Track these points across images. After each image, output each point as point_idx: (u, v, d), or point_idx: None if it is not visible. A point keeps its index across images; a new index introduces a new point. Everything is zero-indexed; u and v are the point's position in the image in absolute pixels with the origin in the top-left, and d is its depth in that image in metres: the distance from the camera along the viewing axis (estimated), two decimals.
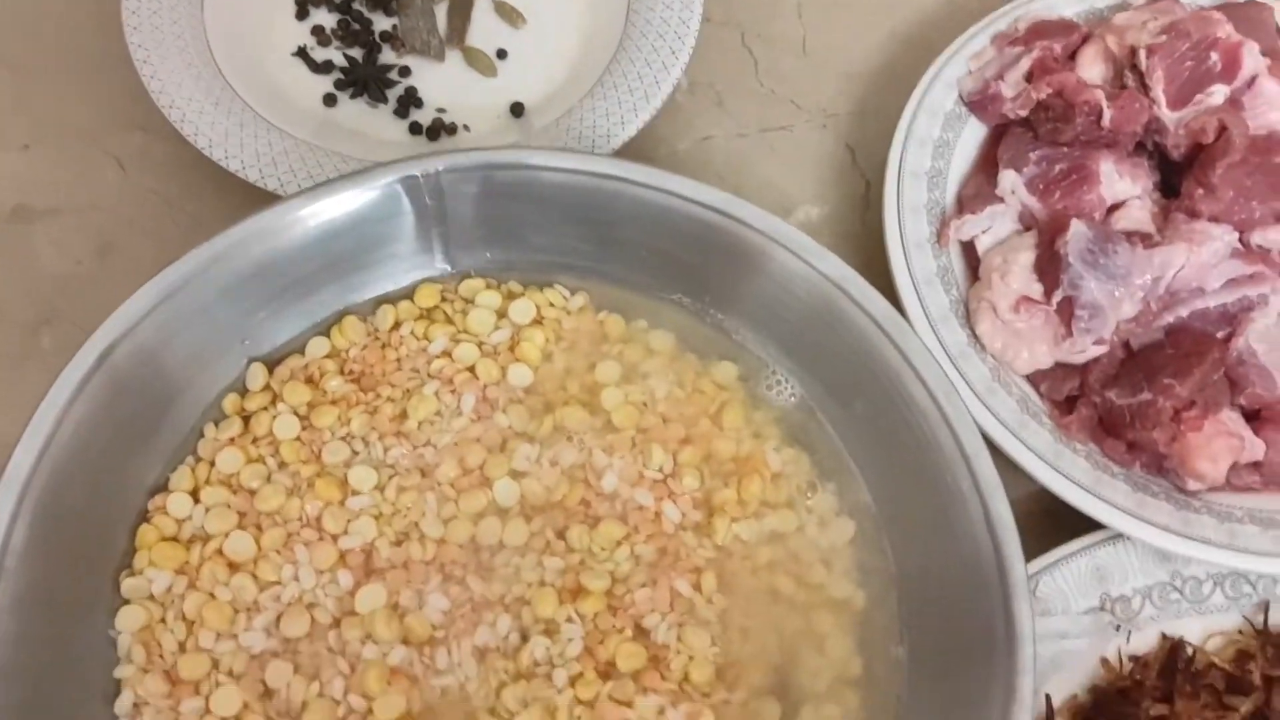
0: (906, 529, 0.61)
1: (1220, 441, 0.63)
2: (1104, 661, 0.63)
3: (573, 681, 0.57)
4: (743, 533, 0.61)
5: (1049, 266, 0.66)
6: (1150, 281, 0.66)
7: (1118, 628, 0.64)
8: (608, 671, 0.58)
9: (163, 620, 0.57)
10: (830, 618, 0.60)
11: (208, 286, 0.59)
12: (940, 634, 0.58)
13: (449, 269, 0.67)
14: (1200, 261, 0.66)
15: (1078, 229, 0.66)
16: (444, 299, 0.66)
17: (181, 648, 0.57)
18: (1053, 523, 0.65)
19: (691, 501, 0.62)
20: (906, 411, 0.60)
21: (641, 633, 0.59)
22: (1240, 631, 0.64)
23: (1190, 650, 0.64)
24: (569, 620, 0.58)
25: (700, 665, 0.58)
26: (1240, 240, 0.69)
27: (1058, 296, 0.66)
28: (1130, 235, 0.67)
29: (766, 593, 0.60)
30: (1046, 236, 0.68)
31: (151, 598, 0.58)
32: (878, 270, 0.67)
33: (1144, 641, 0.64)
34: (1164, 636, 0.64)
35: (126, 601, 0.58)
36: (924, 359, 0.59)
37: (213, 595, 0.58)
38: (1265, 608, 0.64)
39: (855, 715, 0.59)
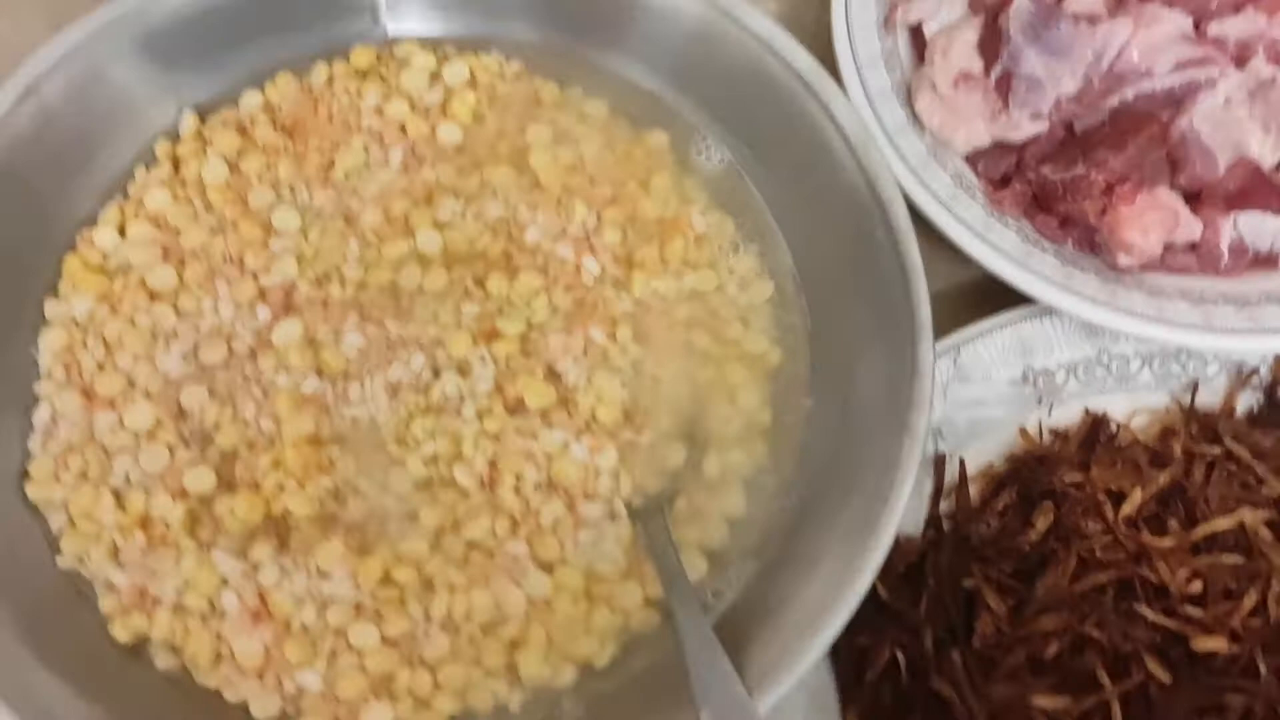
0: (824, 288, 0.61)
1: (1152, 215, 0.61)
2: (1023, 431, 0.63)
3: (480, 416, 0.58)
4: (662, 289, 0.61)
5: (991, 42, 0.65)
6: (1092, 58, 0.64)
7: (1039, 400, 0.63)
8: (516, 408, 0.58)
9: (83, 342, 0.59)
10: (744, 371, 0.60)
11: (135, 27, 0.60)
12: (849, 386, 0.58)
13: (387, 34, 0.67)
14: (1150, 44, 0.65)
15: (1021, 4, 0.65)
16: (379, 60, 0.66)
17: (100, 367, 0.58)
18: (981, 301, 0.64)
19: (612, 257, 0.62)
20: (828, 167, 0.60)
21: (553, 375, 0.59)
22: (1167, 410, 0.63)
23: (1114, 426, 0.63)
24: (481, 360, 0.59)
25: (608, 406, 0.58)
26: (1196, 29, 0.67)
27: (997, 71, 0.65)
28: (1079, 16, 0.66)
29: (682, 346, 0.60)
30: (991, 14, 0.66)
31: (74, 322, 0.59)
32: (831, 67, 0.66)
33: (1066, 416, 0.63)
34: (1087, 411, 0.63)
35: (49, 323, 0.59)
36: (843, 108, 0.59)
37: (133, 322, 0.59)
38: (1193, 387, 0.63)
39: (761, 461, 0.59)
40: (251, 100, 0.65)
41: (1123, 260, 0.62)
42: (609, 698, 0.54)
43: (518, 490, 0.57)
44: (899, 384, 0.54)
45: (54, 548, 0.56)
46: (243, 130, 0.64)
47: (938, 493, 0.62)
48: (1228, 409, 0.63)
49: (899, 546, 0.60)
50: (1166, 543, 0.58)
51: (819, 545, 0.54)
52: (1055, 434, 0.63)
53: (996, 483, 0.62)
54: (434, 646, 0.55)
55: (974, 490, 0.62)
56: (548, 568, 0.56)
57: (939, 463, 0.62)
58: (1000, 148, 0.66)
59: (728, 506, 0.58)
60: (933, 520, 0.61)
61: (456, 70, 0.66)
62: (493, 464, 0.57)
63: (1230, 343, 0.60)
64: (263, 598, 0.55)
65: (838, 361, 0.59)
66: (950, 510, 0.61)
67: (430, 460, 0.57)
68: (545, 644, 0.55)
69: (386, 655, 0.54)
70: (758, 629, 0.52)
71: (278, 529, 0.56)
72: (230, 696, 0.54)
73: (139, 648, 0.55)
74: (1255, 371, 0.63)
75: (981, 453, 0.62)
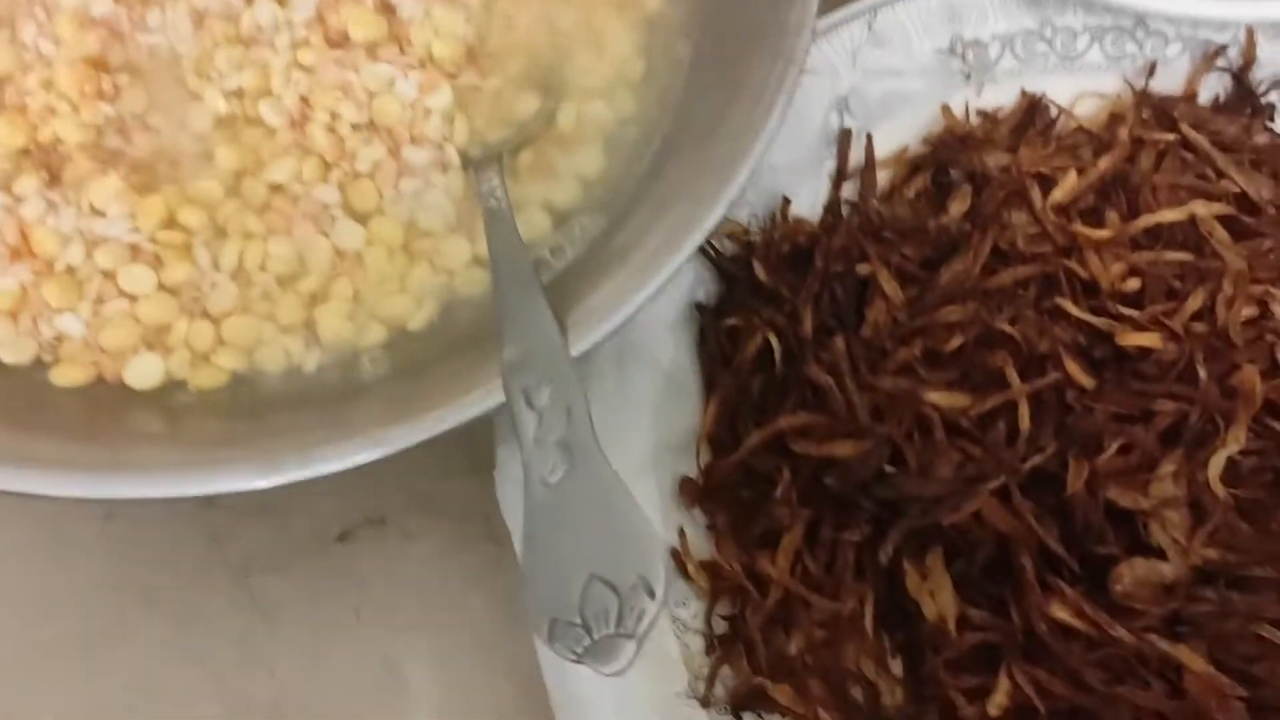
0: None
1: None
2: (945, 109, 0.53)
3: (296, 47, 0.49)
4: None
5: None
6: None
7: (968, 77, 0.54)
8: (339, 42, 0.50)
9: None
10: (615, 16, 0.51)
11: None
12: (731, 28, 0.49)
13: None
14: None
15: None
16: None
17: None
18: None
19: None
20: None
21: (386, 7, 0.50)
22: (1118, 96, 0.54)
23: (1054, 111, 0.53)
24: None
25: (447, 42, 0.49)
26: None
27: None
28: None
29: None
30: None
31: None
32: None
33: (999, 97, 0.54)
34: (1024, 93, 0.54)
35: None
36: None
37: None
38: (1150, 69, 0.53)
39: (626, 114, 0.50)
40: None
41: None
42: (417, 361, 0.46)
43: (332, 129, 0.48)
44: (784, 10, 0.45)
45: None
46: None
47: (841, 175, 0.53)
48: (1189, 93, 0.53)
49: (788, 227, 0.51)
50: (1102, 234, 0.49)
51: (674, 190, 0.45)
52: (984, 116, 0.54)
53: (910, 167, 0.53)
54: (221, 298, 0.47)
55: (884, 176, 0.53)
56: (361, 218, 0.48)
57: (843, 139, 0.52)
58: None
59: (583, 164, 0.49)
60: (832, 206, 0.52)
61: None
62: (305, 100, 0.48)
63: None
64: (25, 234, 0.47)
65: (723, 5, 0.50)
66: (855, 196, 0.52)
67: (234, 95, 0.49)
68: (351, 301, 0.47)
69: (162, 303, 0.46)
70: (593, 280, 0.44)
71: (49, 161, 0.48)
72: None
73: None
74: (1223, 50, 0.53)
75: (896, 132, 0.53)
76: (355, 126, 0.48)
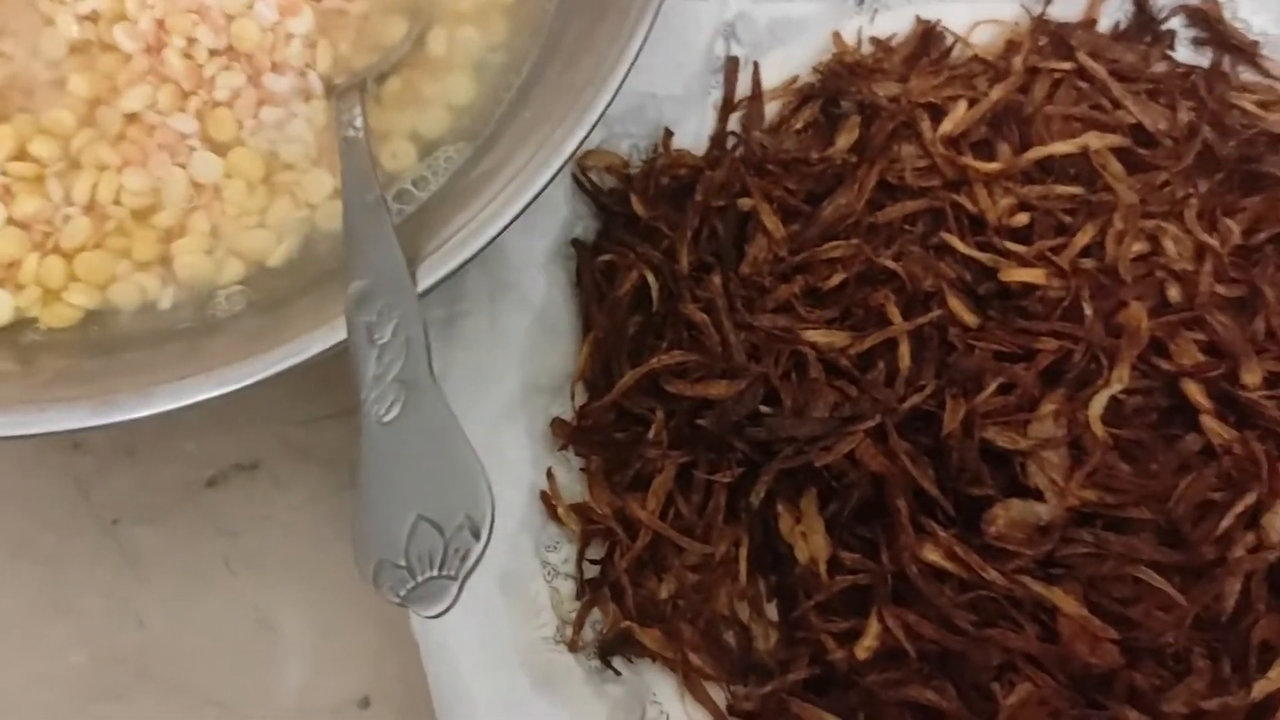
0: None
1: None
2: (836, 36, 0.51)
3: None
4: None
5: None
6: None
7: (861, 2, 0.52)
8: None
9: None
10: None
11: None
12: None
13: None
14: None
15: None
16: None
17: None
18: None
19: None
20: None
21: None
22: (1017, 23, 0.52)
23: (949, 39, 0.52)
24: None
25: None
26: None
27: None
28: None
29: None
30: None
31: None
32: None
33: (893, 24, 0.52)
34: (918, 20, 0.52)
35: None
36: None
37: None
38: None
39: (499, 38, 0.48)
40: None
41: None
42: (276, 297, 0.44)
43: (189, 55, 0.46)
44: None
45: None
46: None
47: (727, 105, 0.51)
48: (1088, 19, 0.51)
49: (669, 159, 0.49)
50: (992, 167, 0.48)
51: (537, 117, 0.43)
52: (877, 44, 0.52)
53: (800, 98, 0.51)
54: (73, 232, 0.45)
55: (773, 107, 0.51)
56: (220, 149, 0.46)
57: (730, 68, 0.51)
58: None
59: (452, 91, 0.47)
60: (718, 138, 0.51)
61: None
62: (160, 24, 0.46)
63: None
64: None
65: None
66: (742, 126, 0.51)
67: (88, 19, 0.47)
68: (209, 236, 0.45)
69: (12, 238, 0.45)
70: (451, 210, 0.42)
71: None
72: None
73: None
74: None
75: (786, 61, 0.51)
76: (213, 52, 0.46)
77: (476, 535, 0.32)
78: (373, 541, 0.33)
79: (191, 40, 0.46)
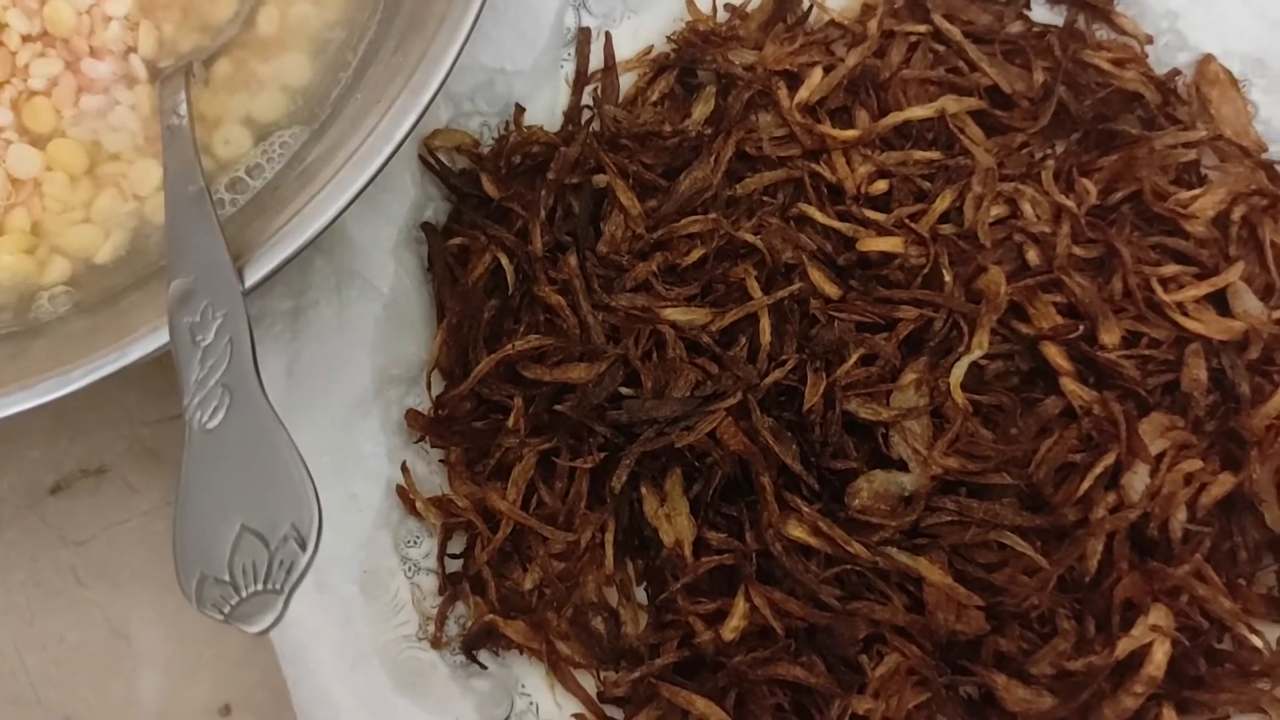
0: None
1: None
2: (690, 3, 0.50)
3: None
4: None
5: None
6: None
7: None
8: None
9: None
10: None
11: None
12: None
13: None
14: None
15: None
16: None
17: None
18: None
19: None
20: None
21: None
22: None
23: (805, 4, 0.51)
24: None
25: None
26: None
27: None
28: None
29: None
30: None
31: None
32: None
33: None
34: None
35: None
36: None
37: None
38: None
39: (335, 14, 0.46)
40: None
41: None
42: (105, 295, 0.42)
43: (0, 42, 0.43)
44: None
45: None
46: None
47: (580, 78, 0.49)
48: None
49: (521, 136, 0.48)
50: (849, 134, 0.47)
51: (371, 97, 0.41)
52: (732, 10, 0.50)
53: (655, 69, 0.49)
54: None
55: (629, 79, 0.50)
56: (39, 140, 0.43)
57: (582, 39, 0.49)
58: None
59: (287, 72, 0.45)
60: (571, 113, 0.49)
61: None
62: None
63: None
64: None
65: None
66: (595, 100, 0.49)
67: None
68: (29, 234, 0.43)
69: None
70: (283, 200, 0.40)
71: None
72: None
73: None
74: None
75: (640, 31, 0.50)
76: (26, 38, 0.43)
77: (303, 546, 0.31)
78: (194, 556, 0.31)
79: (2, 25, 0.43)
